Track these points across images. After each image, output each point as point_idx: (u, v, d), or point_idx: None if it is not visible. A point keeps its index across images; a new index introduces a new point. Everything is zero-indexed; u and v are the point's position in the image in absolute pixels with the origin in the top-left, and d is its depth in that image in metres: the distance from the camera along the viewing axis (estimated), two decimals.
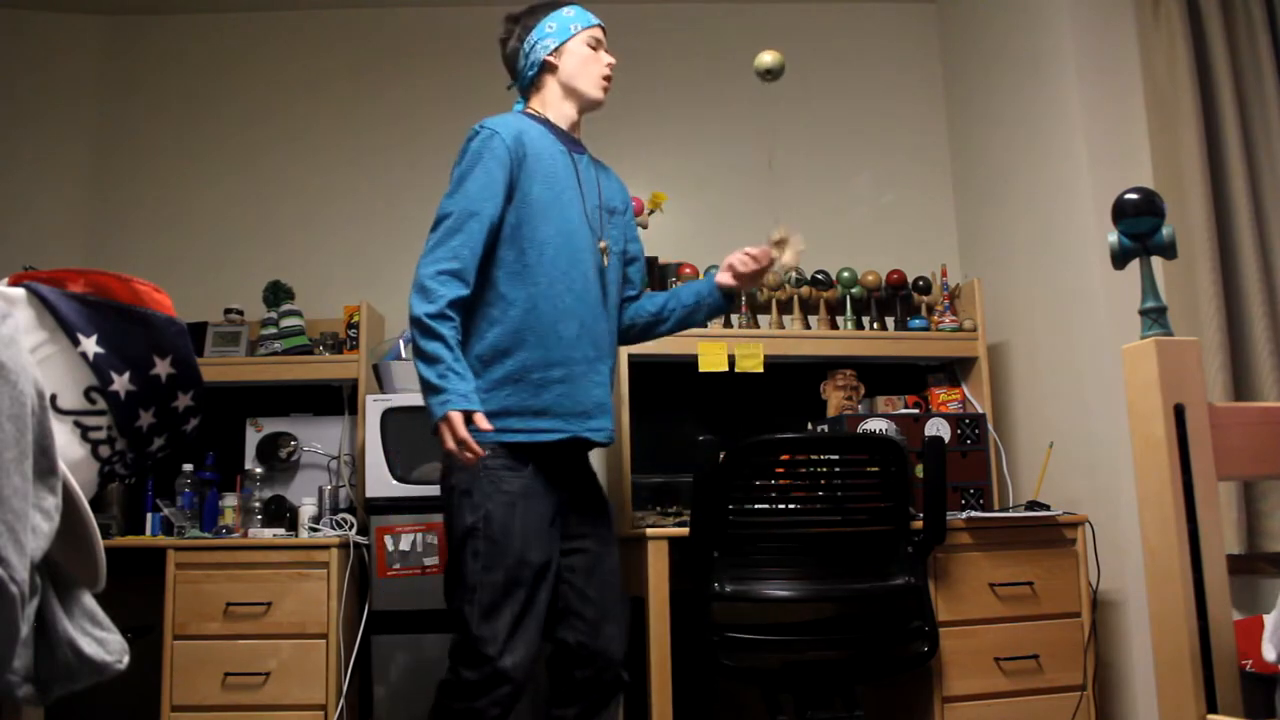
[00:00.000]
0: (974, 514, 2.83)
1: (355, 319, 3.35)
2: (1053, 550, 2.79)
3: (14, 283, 1.06)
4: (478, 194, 1.99)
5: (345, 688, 2.77)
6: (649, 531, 2.67)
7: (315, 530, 2.97)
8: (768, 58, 2.26)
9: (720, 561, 2.37)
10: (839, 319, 3.36)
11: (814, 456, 2.49)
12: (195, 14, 3.89)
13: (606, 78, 2.21)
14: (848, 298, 3.36)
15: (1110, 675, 2.87)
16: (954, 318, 3.33)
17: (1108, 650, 2.88)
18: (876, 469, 2.44)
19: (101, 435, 1.06)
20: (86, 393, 1.05)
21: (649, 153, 3.81)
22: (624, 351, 3.11)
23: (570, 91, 2.19)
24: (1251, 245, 2.84)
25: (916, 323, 3.35)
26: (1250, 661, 2.26)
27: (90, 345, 1.05)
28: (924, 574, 2.53)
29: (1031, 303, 3.29)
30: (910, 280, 3.42)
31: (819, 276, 3.38)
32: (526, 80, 2.22)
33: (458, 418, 1.86)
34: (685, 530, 2.49)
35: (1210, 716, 1.11)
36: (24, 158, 3.72)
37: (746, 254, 2.20)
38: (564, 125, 2.20)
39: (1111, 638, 2.88)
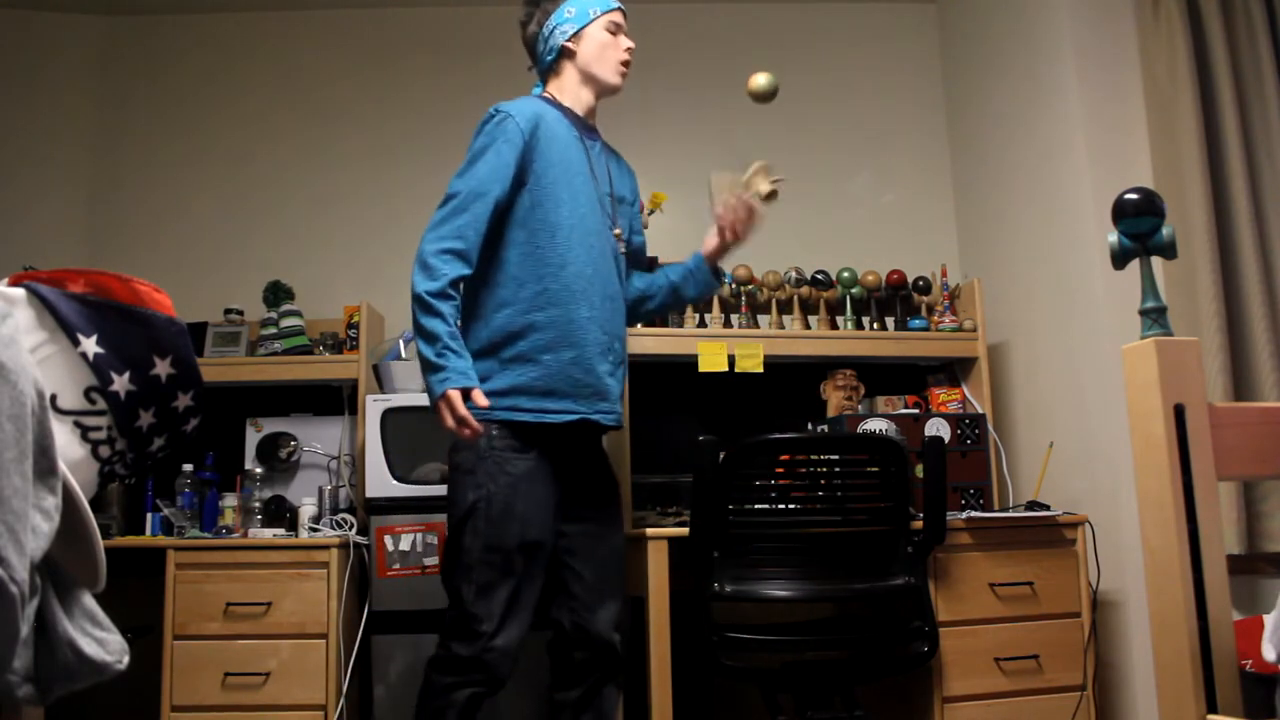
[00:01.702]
0: (974, 514, 2.83)
1: (355, 319, 3.35)
2: (1053, 550, 2.78)
3: (14, 283, 1.06)
4: (487, 175, 2.00)
5: (345, 688, 2.77)
6: (649, 531, 2.67)
7: (315, 530, 2.97)
8: (762, 80, 2.27)
9: (720, 561, 2.37)
10: (839, 319, 3.36)
11: (814, 456, 2.49)
12: (195, 14, 3.89)
13: (625, 63, 2.21)
14: (848, 298, 3.36)
15: (1110, 675, 2.87)
16: (954, 318, 3.33)
17: (1108, 650, 2.88)
18: (876, 469, 2.44)
19: (101, 435, 1.06)
20: (86, 393, 1.05)
21: (649, 153, 3.80)
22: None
23: (588, 78, 2.20)
24: (1251, 245, 2.84)
25: (916, 323, 3.35)
26: (1250, 661, 2.26)
27: (90, 345, 1.05)
28: (924, 574, 2.53)
29: (1031, 303, 3.29)
30: (910, 280, 3.42)
31: (819, 276, 3.38)
32: (545, 65, 2.23)
33: (456, 395, 1.87)
34: (685, 530, 2.49)
35: (1210, 716, 1.11)
36: (24, 158, 3.72)
37: (725, 208, 2.22)
38: (580, 110, 2.21)
39: (1111, 638, 2.88)
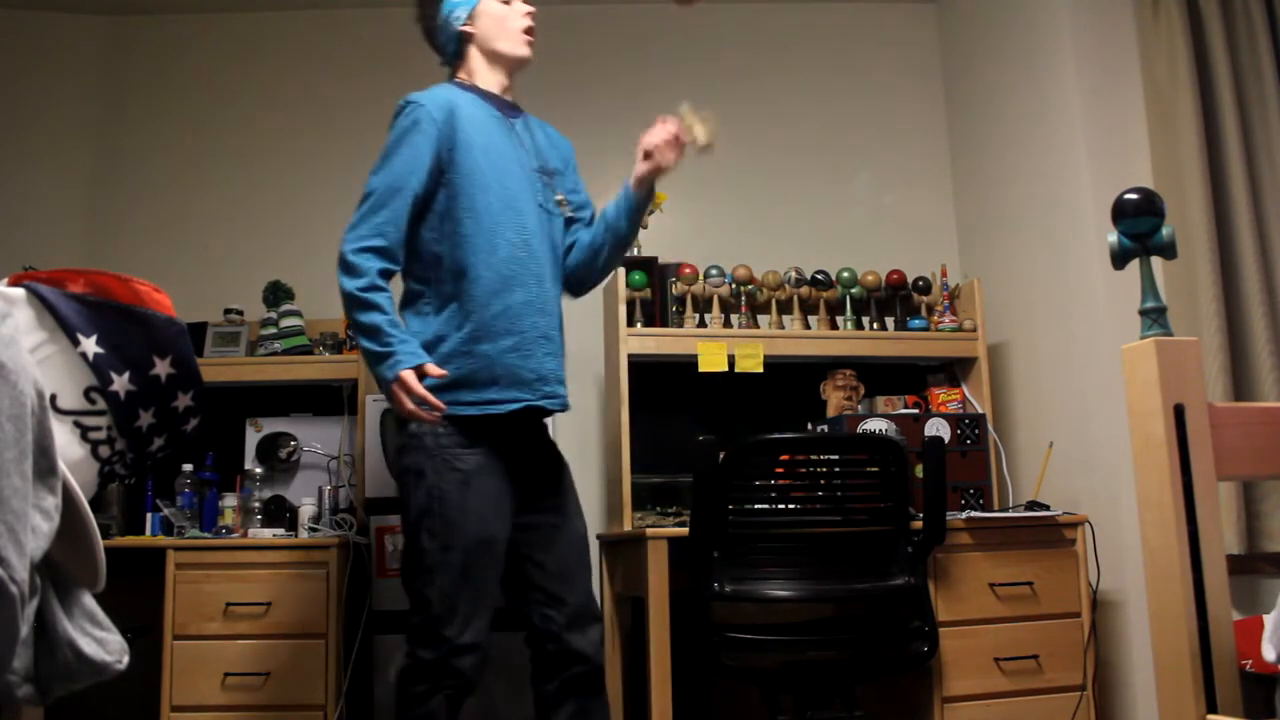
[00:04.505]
0: (974, 514, 2.83)
1: None
2: (1052, 550, 2.78)
3: (14, 283, 1.06)
4: (402, 169, 1.98)
5: (345, 688, 2.77)
6: (649, 531, 2.67)
7: (315, 530, 2.97)
8: (701, 132, 2.18)
9: (720, 561, 2.37)
10: (839, 319, 3.36)
11: (814, 456, 2.49)
12: (195, 14, 3.89)
13: (528, 30, 2.18)
14: (847, 298, 3.36)
15: (1110, 675, 2.87)
16: (954, 318, 3.33)
17: (1108, 650, 2.88)
18: (876, 469, 2.44)
19: (101, 435, 1.06)
20: (86, 393, 1.05)
21: None
22: (624, 351, 3.11)
23: (494, 56, 2.17)
24: (1251, 245, 2.84)
25: (916, 323, 3.35)
26: (1250, 661, 2.26)
27: (90, 345, 1.05)
28: (924, 574, 2.53)
29: (1031, 303, 3.29)
30: (910, 280, 3.42)
31: (819, 276, 3.38)
32: (450, 55, 2.22)
33: (410, 376, 1.85)
34: (685, 530, 2.49)
35: (1210, 716, 1.11)
36: (24, 158, 3.72)
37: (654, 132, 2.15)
38: (496, 89, 2.17)
39: (1111, 638, 2.88)
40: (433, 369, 1.88)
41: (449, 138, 2.02)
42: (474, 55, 2.18)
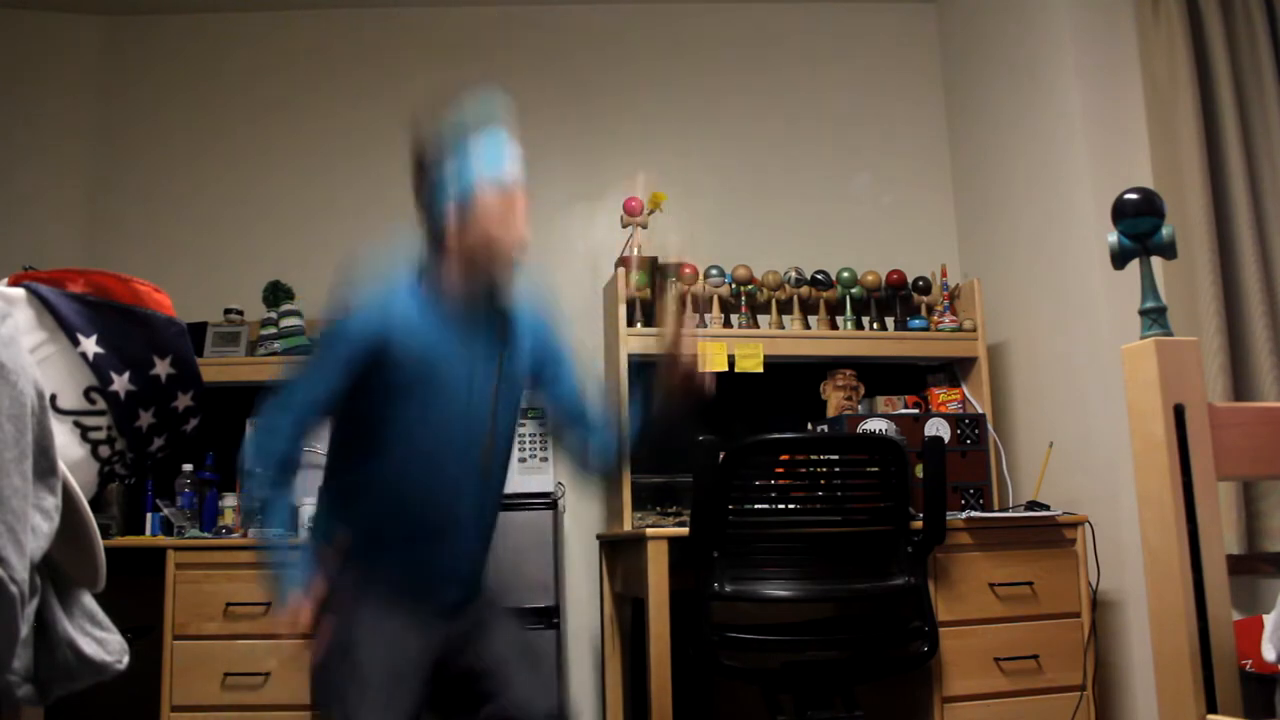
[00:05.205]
0: (974, 514, 2.83)
1: None
2: (1052, 550, 2.78)
3: (14, 283, 1.06)
4: (319, 378, 1.80)
5: None
6: (649, 531, 2.67)
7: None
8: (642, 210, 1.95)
9: (720, 561, 2.37)
10: (839, 319, 3.36)
11: (814, 456, 2.50)
12: (195, 14, 3.89)
13: (517, 236, 1.82)
14: (847, 298, 3.36)
15: (1110, 675, 2.87)
16: (954, 318, 3.33)
17: (1108, 650, 2.88)
18: (876, 469, 2.44)
19: (101, 435, 1.06)
20: (86, 393, 1.05)
21: (649, 152, 3.81)
22: (624, 351, 3.11)
23: (471, 261, 1.83)
24: (1251, 245, 2.84)
25: (916, 323, 3.35)
26: (1250, 661, 2.26)
27: (90, 345, 1.05)
28: (924, 574, 2.53)
29: (1031, 303, 3.29)
30: (910, 280, 3.42)
31: (819, 276, 3.38)
32: (433, 231, 1.85)
33: (298, 596, 1.75)
34: (685, 530, 2.49)
35: (1210, 716, 1.11)
36: (24, 158, 3.72)
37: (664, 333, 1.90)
38: (466, 287, 1.85)
39: (1111, 638, 2.88)
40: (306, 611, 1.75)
41: (379, 348, 1.78)
42: (453, 247, 1.82)
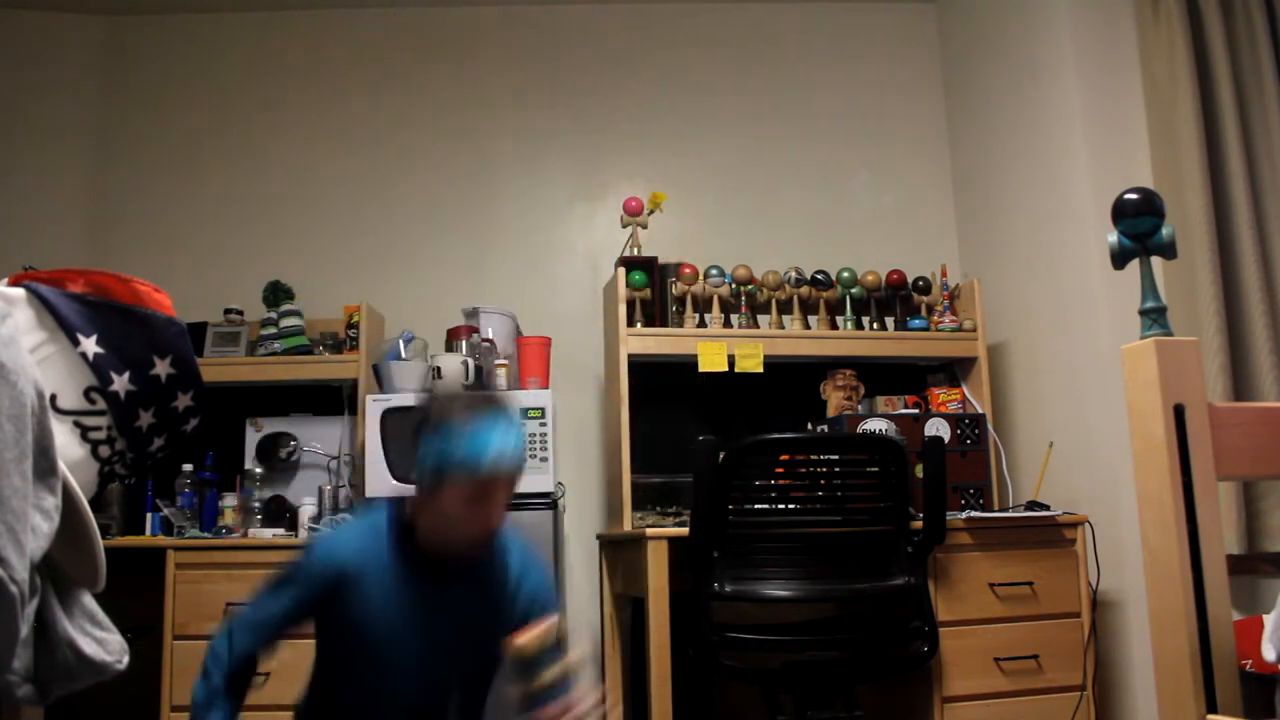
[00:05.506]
0: (974, 514, 2.83)
1: (355, 319, 3.35)
2: (1052, 550, 2.79)
3: (14, 283, 1.06)
4: (277, 609, 1.83)
5: None
6: (649, 531, 2.67)
7: (315, 530, 2.97)
8: (531, 647, 1.82)
9: (720, 561, 2.37)
10: (839, 319, 3.36)
11: (814, 456, 2.49)
12: (195, 14, 3.89)
13: (483, 529, 1.78)
14: (847, 298, 3.36)
15: (1110, 675, 2.87)
16: (954, 318, 3.33)
17: (1108, 650, 2.88)
18: (876, 469, 2.44)
19: (101, 435, 1.06)
20: (86, 393, 1.05)
21: (649, 152, 3.81)
22: (624, 351, 3.12)
23: (442, 536, 1.80)
24: (1251, 245, 2.84)
25: (916, 323, 3.35)
26: (1250, 661, 2.26)
27: (90, 345, 1.05)
28: (924, 574, 2.53)
29: (1031, 303, 3.29)
30: (910, 280, 3.42)
31: (819, 276, 3.38)
32: (418, 488, 1.81)
33: None
34: (685, 530, 2.49)
35: (1210, 716, 1.11)
36: (24, 157, 3.72)
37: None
38: (435, 549, 1.82)
39: (1111, 638, 2.88)
40: None
41: (338, 590, 1.81)
42: (432, 513, 1.79)
